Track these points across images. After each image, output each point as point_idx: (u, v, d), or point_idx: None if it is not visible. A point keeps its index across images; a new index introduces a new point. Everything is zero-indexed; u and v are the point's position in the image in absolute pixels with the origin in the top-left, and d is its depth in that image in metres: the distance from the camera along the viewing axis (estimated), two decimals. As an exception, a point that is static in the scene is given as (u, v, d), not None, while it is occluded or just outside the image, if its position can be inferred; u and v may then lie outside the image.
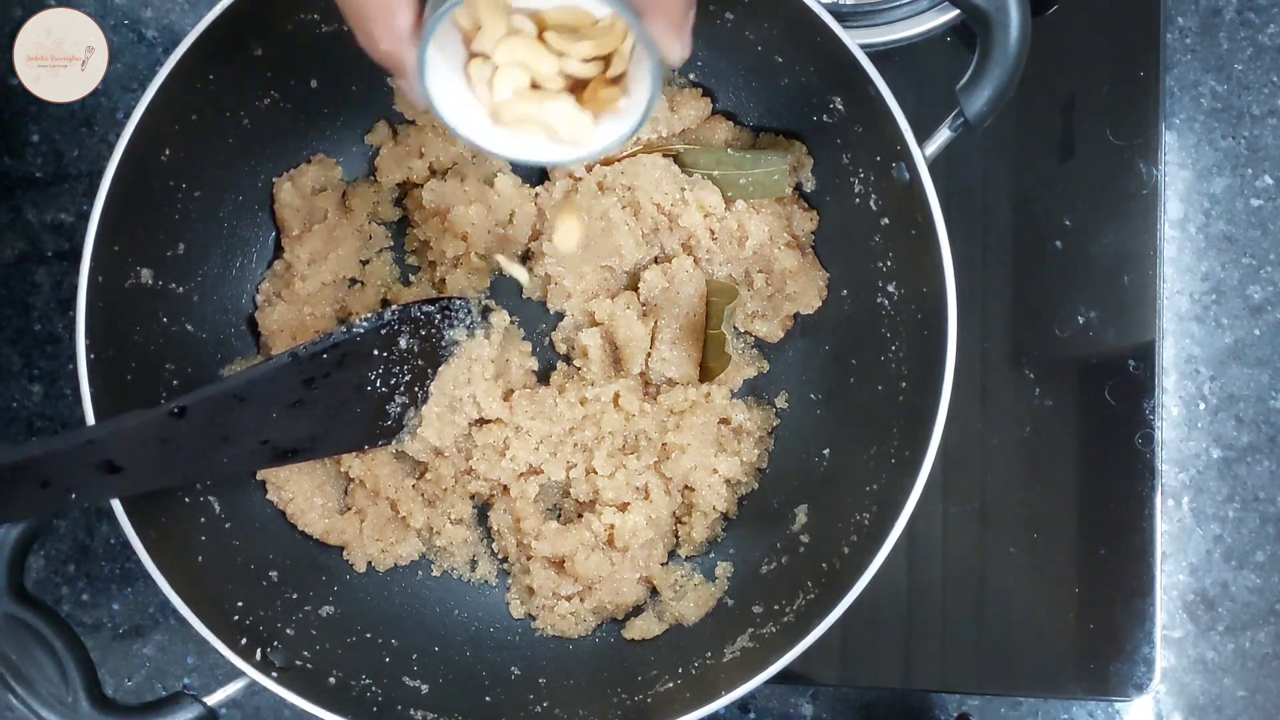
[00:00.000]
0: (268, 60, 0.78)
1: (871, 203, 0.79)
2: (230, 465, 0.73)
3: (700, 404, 0.82)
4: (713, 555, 0.84)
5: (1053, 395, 0.87)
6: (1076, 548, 0.87)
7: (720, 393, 0.83)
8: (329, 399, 0.75)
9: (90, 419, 0.71)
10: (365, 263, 0.85)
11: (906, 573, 0.87)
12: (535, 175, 0.85)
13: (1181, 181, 0.90)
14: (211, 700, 0.71)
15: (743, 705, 0.88)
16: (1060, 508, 0.87)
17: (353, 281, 0.85)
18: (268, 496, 0.82)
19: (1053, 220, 0.88)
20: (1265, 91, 0.90)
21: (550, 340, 0.85)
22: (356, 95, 0.84)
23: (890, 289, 0.79)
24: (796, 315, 0.85)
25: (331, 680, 0.76)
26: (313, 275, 0.83)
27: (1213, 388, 0.89)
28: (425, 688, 0.79)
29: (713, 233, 0.83)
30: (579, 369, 0.84)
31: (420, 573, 0.84)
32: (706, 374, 0.84)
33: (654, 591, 0.84)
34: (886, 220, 0.79)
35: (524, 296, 0.86)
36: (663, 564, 0.84)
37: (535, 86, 0.59)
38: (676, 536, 0.84)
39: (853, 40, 0.72)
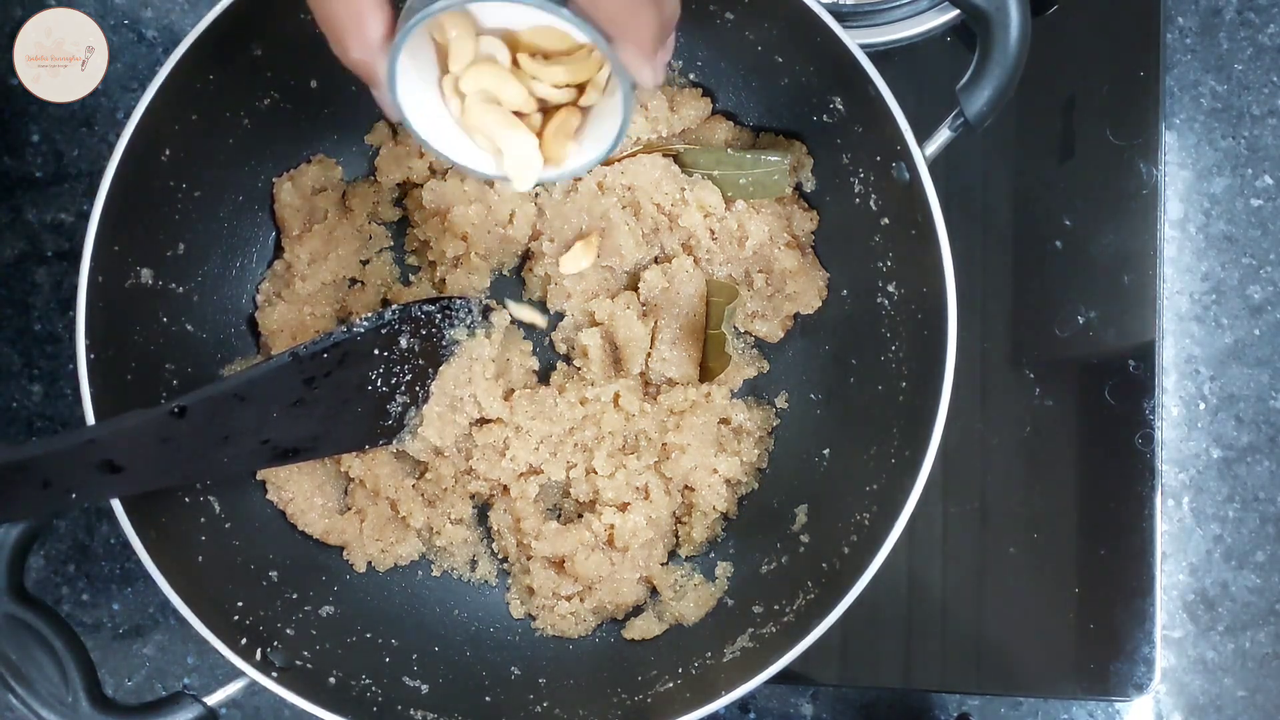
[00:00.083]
0: (268, 60, 0.78)
1: (871, 203, 0.79)
2: (231, 465, 0.73)
3: (700, 404, 0.82)
4: (713, 555, 0.84)
5: (1053, 395, 0.87)
6: (1076, 548, 0.87)
7: (720, 393, 0.83)
8: (330, 398, 0.75)
9: (90, 419, 0.71)
10: (365, 263, 0.85)
11: (906, 573, 0.87)
12: (535, 175, 0.85)
13: (1181, 181, 0.90)
14: (211, 700, 0.71)
15: (743, 705, 0.88)
16: (1060, 508, 0.87)
17: (353, 281, 0.85)
18: (268, 496, 0.82)
19: (1053, 220, 0.88)
20: (1265, 91, 0.90)
21: (550, 340, 0.85)
22: (356, 95, 0.83)
23: (890, 289, 0.79)
24: (796, 315, 0.85)
25: (331, 680, 0.76)
26: (313, 275, 0.83)
27: (1213, 388, 0.89)
28: (425, 688, 0.79)
29: (713, 233, 0.83)
30: (579, 369, 0.84)
31: (420, 573, 0.84)
32: (706, 374, 0.84)
33: (654, 591, 0.84)
34: (886, 220, 0.79)
35: (524, 298, 0.86)
36: (663, 564, 0.84)
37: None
38: (676, 536, 0.84)
39: (853, 40, 0.72)
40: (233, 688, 0.72)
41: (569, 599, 0.82)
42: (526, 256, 0.86)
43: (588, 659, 0.83)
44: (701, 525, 0.83)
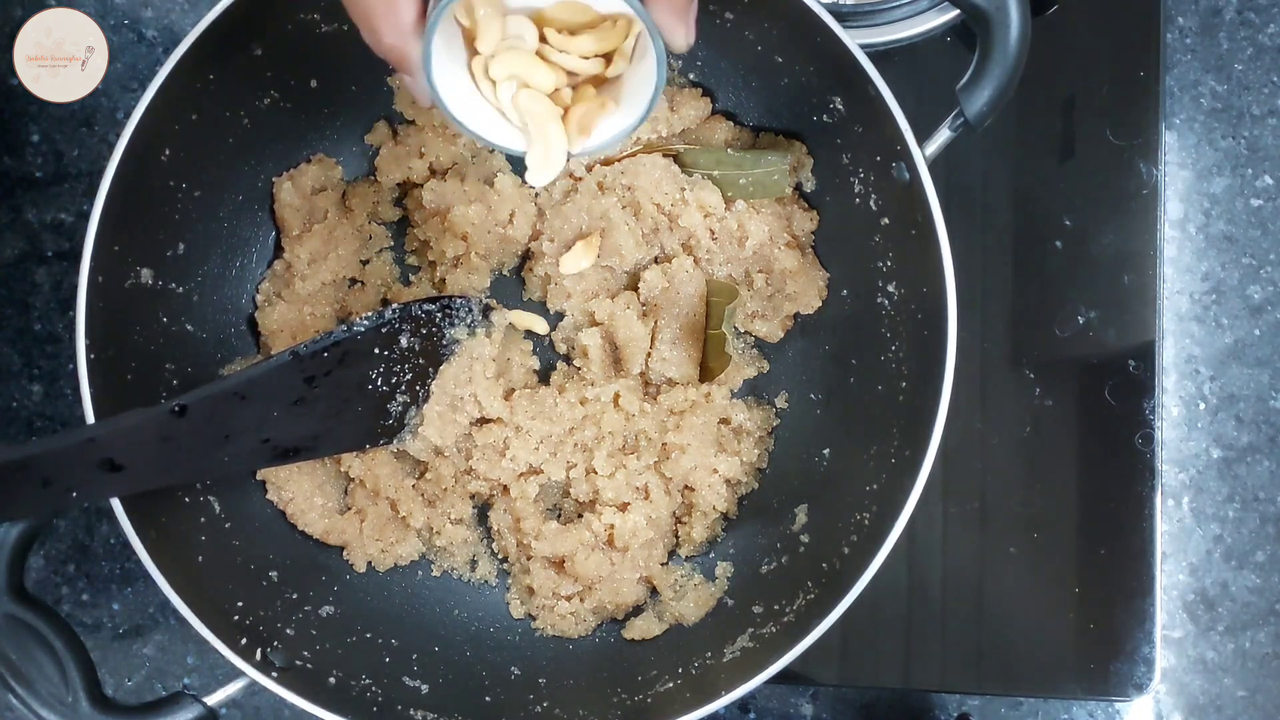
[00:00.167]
0: (268, 60, 0.78)
1: (871, 203, 0.79)
2: (231, 464, 0.73)
3: (700, 404, 0.82)
4: (713, 555, 0.84)
5: (1053, 395, 0.87)
6: (1076, 548, 0.87)
7: (720, 393, 0.83)
8: (330, 397, 0.75)
9: (90, 419, 0.71)
10: (365, 263, 0.85)
11: (906, 573, 0.87)
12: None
13: (1181, 181, 0.90)
14: (211, 700, 0.71)
15: (743, 705, 0.88)
16: (1060, 508, 0.87)
17: (353, 281, 0.85)
18: (268, 496, 0.82)
19: (1053, 220, 0.88)
20: (1265, 91, 0.90)
21: (550, 340, 0.85)
22: (356, 95, 0.84)
23: (890, 289, 0.79)
24: (796, 315, 0.85)
25: (331, 680, 0.76)
26: (313, 275, 0.83)
27: (1213, 388, 0.89)
28: (425, 688, 0.79)
29: (713, 233, 0.83)
30: (579, 369, 0.84)
31: (420, 573, 0.84)
32: (706, 374, 0.84)
33: (654, 591, 0.84)
34: (886, 220, 0.79)
35: (525, 298, 0.86)
36: (663, 564, 0.84)
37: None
38: (676, 536, 0.84)
39: (853, 40, 0.72)
40: (233, 688, 0.72)
41: (569, 599, 0.82)
42: (526, 256, 0.86)
43: (588, 659, 0.83)
44: (701, 525, 0.83)
